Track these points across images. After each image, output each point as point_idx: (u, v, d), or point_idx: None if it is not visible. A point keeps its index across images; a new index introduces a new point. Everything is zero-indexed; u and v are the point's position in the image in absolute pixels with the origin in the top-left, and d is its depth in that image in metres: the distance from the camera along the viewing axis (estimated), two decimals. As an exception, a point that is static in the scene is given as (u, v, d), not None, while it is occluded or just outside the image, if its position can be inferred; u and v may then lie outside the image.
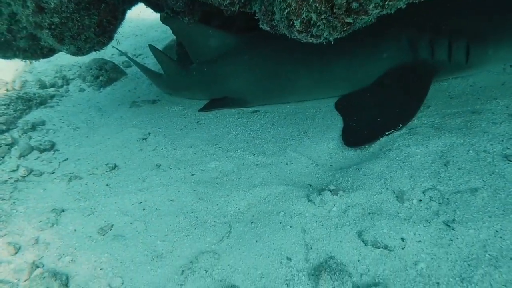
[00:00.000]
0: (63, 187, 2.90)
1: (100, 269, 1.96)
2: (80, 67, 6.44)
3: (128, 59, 5.68)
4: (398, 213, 1.94)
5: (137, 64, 5.10)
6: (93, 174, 3.07)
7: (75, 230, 2.33)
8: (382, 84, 3.03)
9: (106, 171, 3.07)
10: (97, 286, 1.85)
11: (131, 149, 3.47)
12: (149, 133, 3.72)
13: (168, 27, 4.47)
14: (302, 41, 1.95)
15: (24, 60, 3.64)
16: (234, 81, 3.76)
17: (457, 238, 1.72)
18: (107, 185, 2.84)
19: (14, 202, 2.70)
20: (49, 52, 3.64)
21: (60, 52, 3.85)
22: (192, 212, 2.30)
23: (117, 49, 5.37)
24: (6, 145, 3.90)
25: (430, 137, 2.45)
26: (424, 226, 1.83)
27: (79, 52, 3.17)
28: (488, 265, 1.56)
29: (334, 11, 1.58)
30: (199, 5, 3.66)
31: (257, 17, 2.32)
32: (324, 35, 1.74)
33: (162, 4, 3.69)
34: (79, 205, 2.60)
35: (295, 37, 1.87)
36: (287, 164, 2.64)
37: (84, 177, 3.05)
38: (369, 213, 1.97)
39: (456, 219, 1.82)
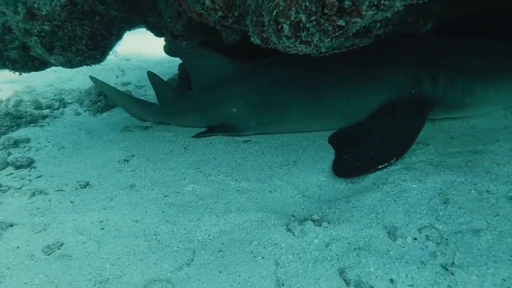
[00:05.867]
0: (23, 202, 2.63)
1: (30, 291, 1.64)
2: (80, 92, 6.43)
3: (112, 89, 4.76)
4: (389, 251, 1.65)
5: (120, 94, 4.75)
6: (61, 190, 2.82)
7: (17, 247, 2.03)
8: (376, 118, 2.89)
9: (76, 189, 2.82)
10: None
11: (110, 169, 3.24)
12: (133, 155, 3.52)
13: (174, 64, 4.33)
14: (291, 52, 1.81)
15: (13, 71, 3.56)
16: (229, 108, 3.63)
17: (457, 285, 1.43)
18: (71, 202, 2.58)
19: (-37, 212, 2.42)
20: (41, 64, 3.56)
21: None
22: (154, 234, 2.01)
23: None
24: (-18, 158, 3.71)
25: (429, 174, 2.23)
26: (419, 268, 1.53)
27: (68, 63, 3.07)
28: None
29: (325, 11, 1.45)
30: (199, 31, 3.64)
31: (249, 33, 2.22)
32: (315, 41, 1.59)
33: (162, 27, 3.68)
34: (33, 220, 2.32)
35: (284, 45, 1.73)
36: (270, 191, 2.38)
37: (50, 193, 2.79)
38: (355, 249, 1.68)
39: (456, 262, 1.53)
